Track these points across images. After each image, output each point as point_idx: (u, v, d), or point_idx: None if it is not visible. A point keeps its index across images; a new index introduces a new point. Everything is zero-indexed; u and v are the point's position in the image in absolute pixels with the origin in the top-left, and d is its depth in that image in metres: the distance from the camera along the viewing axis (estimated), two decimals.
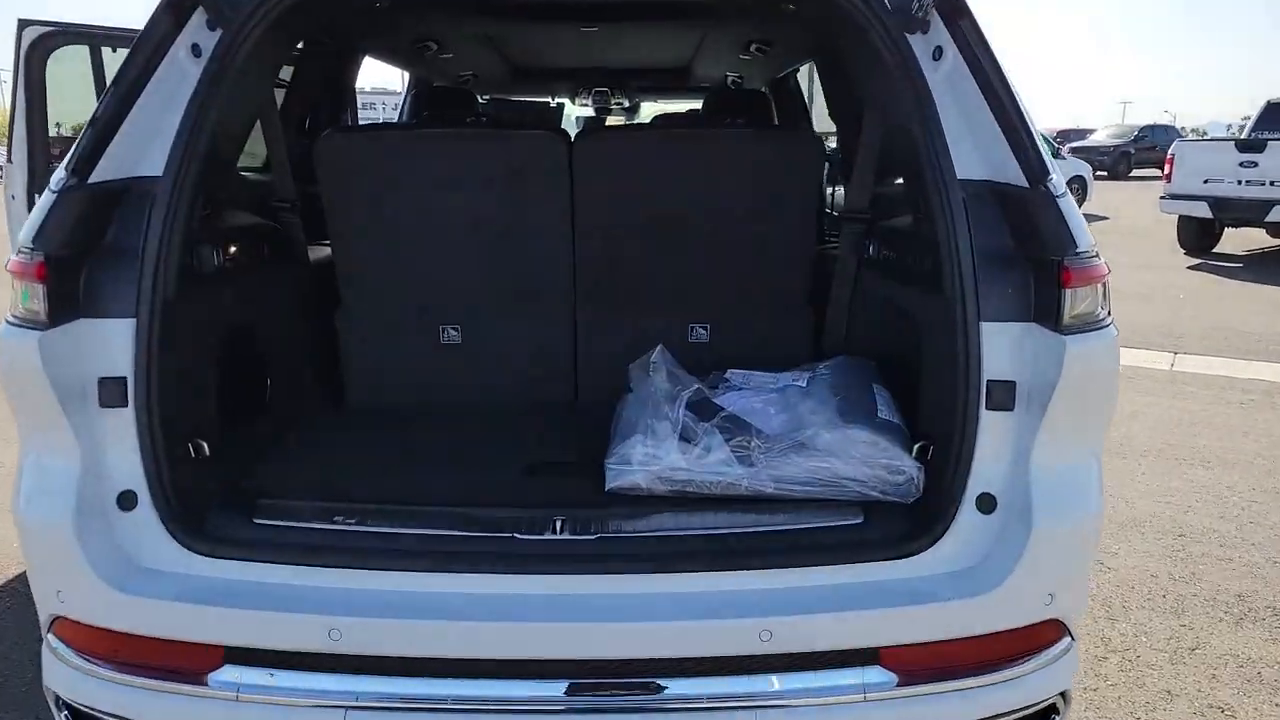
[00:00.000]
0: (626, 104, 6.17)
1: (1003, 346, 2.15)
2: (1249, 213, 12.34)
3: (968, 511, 2.18)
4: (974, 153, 2.23)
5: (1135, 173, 29.91)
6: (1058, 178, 2.17)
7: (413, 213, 2.88)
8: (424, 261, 2.96)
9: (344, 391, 3.17)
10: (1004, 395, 2.15)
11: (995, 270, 2.16)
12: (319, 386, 3.15)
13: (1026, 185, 2.15)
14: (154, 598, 2.09)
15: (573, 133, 3.02)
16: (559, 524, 2.21)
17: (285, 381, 2.94)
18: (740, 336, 3.06)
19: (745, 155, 2.79)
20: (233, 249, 2.60)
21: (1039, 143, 2.18)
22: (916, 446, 2.33)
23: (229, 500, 2.31)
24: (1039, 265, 2.13)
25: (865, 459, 2.31)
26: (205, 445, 2.31)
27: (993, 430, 2.16)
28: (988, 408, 2.15)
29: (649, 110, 6.47)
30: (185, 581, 2.13)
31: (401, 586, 2.11)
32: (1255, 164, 11.96)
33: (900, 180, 2.92)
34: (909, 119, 2.30)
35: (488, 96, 6.16)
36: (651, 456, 2.37)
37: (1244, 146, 12.45)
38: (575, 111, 6.55)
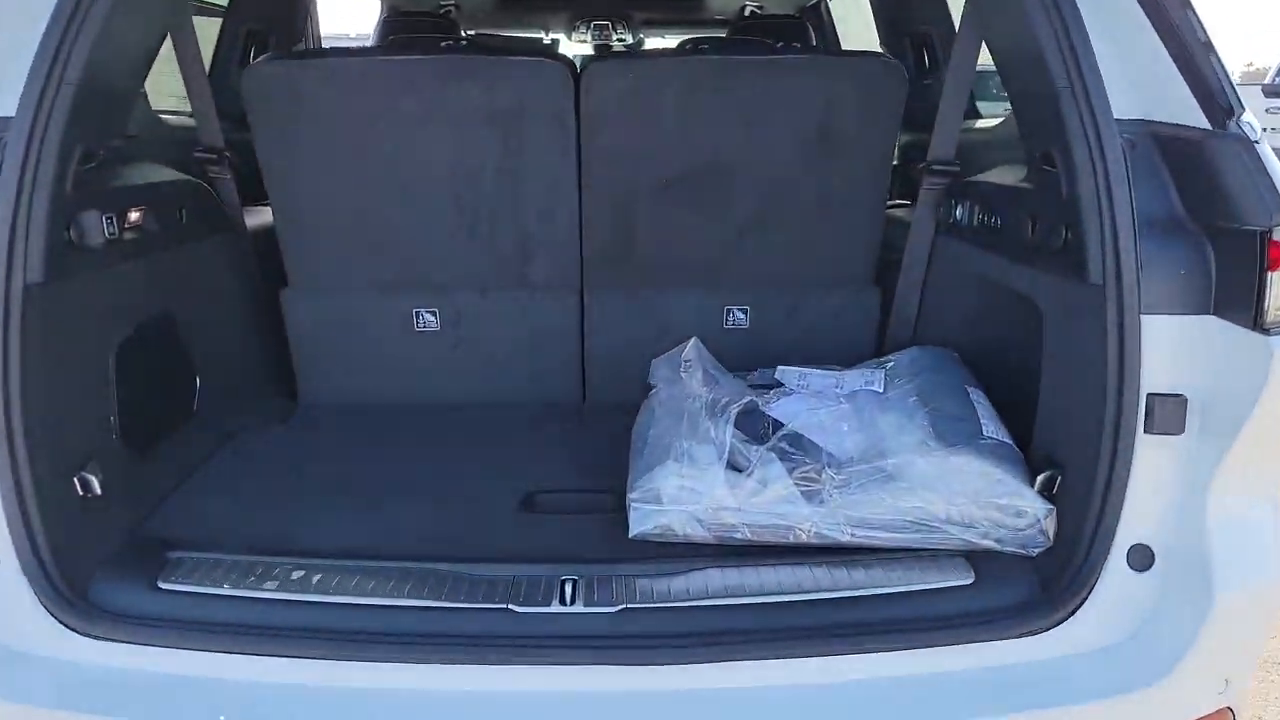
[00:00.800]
0: (630, 40, 5.48)
1: (1169, 348, 1.58)
2: None
3: (1117, 568, 1.63)
4: (1123, 80, 1.64)
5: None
6: (1250, 117, 1.58)
7: (374, 165, 2.27)
8: (390, 228, 2.35)
9: (296, 394, 2.58)
10: (1170, 414, 1.59)
11: (1160, 244, 1.59)
12: (264, 388, 2.55)
13: (1206, 127, 1.57)
14: (11, 699, 1.53)
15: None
16: (568, 589, 1.65)
17: (219, 384, 2.35)
18: (789, 321, 2.47)
19: (806, 88, 2.17)
20: (134, 215, 1.98)
21: (1222, 67, 1.59)
22: (1040, 478, 1.76)
23: (127, 556, 1.73)
24: (1225, 238, 1.56)
25: (974, 495, 1.74)
26: (96, 480, 1.73)
27: (1152, 460, 1.61)
28: (1147, 430, 1.59)
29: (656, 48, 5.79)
30: (59, 673, 1.57)
31: (356, 681, 1.55)
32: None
33: (991, 121, 2.31)
34: (1032, 36, 1.70)
35: (471, 31, 5.47)
36: (689, 491, 1.79)
37: (1267, 93, 11.69)
38: (572, 49, 5.85)
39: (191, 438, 2.19)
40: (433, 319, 2.46)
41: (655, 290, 2.44)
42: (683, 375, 2.12)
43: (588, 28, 5.16)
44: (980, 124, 2.76)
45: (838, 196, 2.31)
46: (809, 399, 2.05)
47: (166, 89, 2.61)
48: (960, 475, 1.76)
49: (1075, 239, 1.68)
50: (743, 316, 2.46)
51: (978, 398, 2.03)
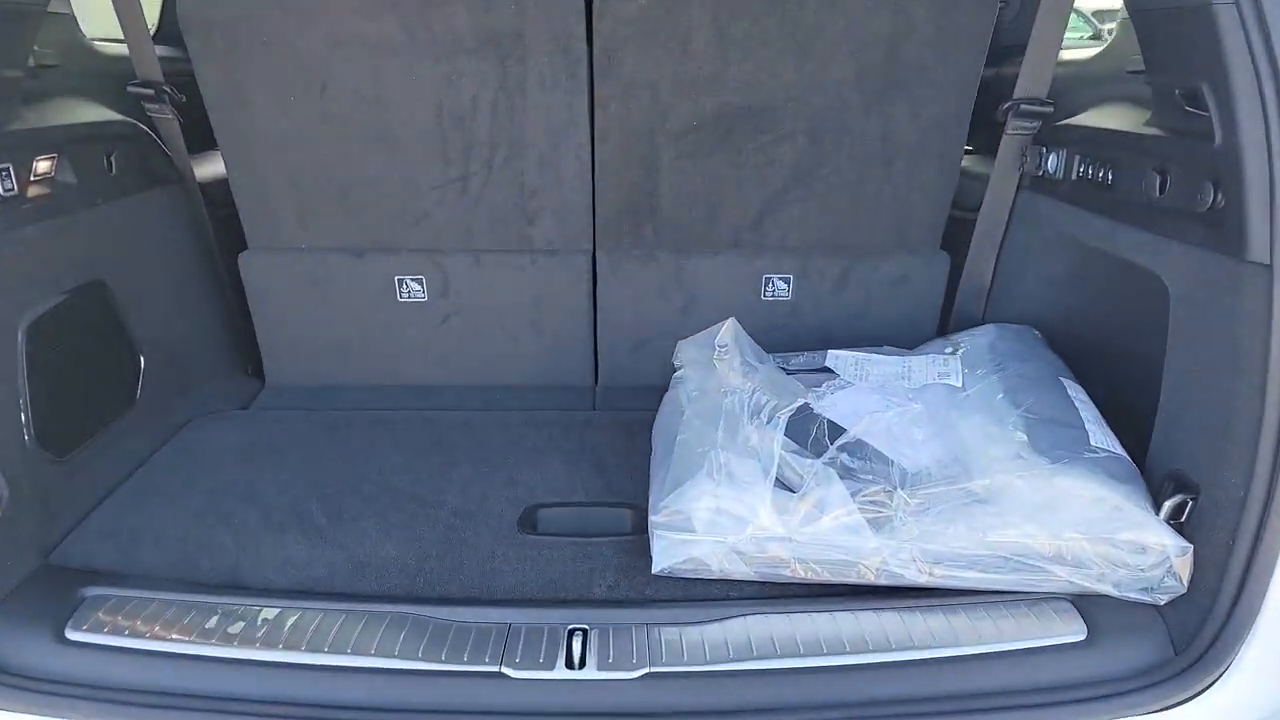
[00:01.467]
0: None
1: None
2: None
3: (1273, 623, 1.28)
4: None
5: None
6: None
7: (342, 103, 1.88)
8: (364, 179, 1.97)
9: (261, 375, 2.23)
10: None
11: None
12: (225, 366, 2.20)
13: None
14: None
15: None
16: (577, 644, 1.31)
17: (167, 365, 1.99)
18: (838, 292, 2.09)
19: (872, 10, 1.76)
20: (42, 165, 1.61)
21: None
22: (1167, 504, 1.40)
23: (30, 593, 1.40)
24: None
25: (1086, 527, 1.39)
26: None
27: None
28: None
29: None
30: None
31: None
32: None
33: (1082, 52, 1.90)
34: None
35: None
36: (728, 517, 1.44)
37: None
38: None
39: (129, 433, 1.84)
40: (418, 288, 2.09)
41: (681, 254, 2.06)
42: (717, 363, 1.76)
43: None
44: (1065, 55, 2.32)
45: (905, 144, 1.91)
46: (870, 395, 1.69)
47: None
48: (1067, 500, 1.40)
49: (1230, 201, 1.30)
50: (784, 286, 2.08)
51: (1077, 395, 1.66)
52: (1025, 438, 1.51)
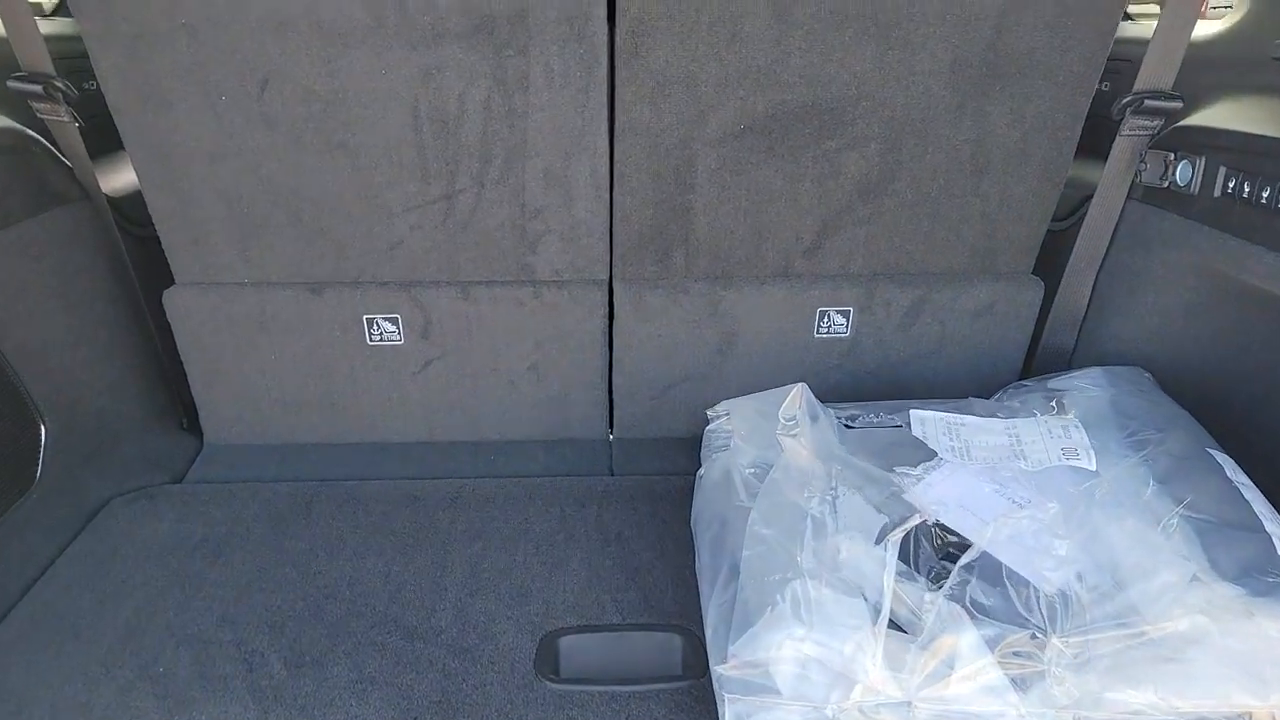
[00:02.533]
0: None
1: None
2: None
3: None
4: None
5: None
6: None
7: (291, 106, 1.45)
8: (322, 198, 1.55)
9: (199, 429, 1.82)
10: None
11: None
12: (155, 422, 1.78)
13: None
14: None
15: None
16: None
17: (74, 431, 1.58)
18: (907, 327, 1.72)
19: None
20: None
21: None
22: None
23: None
24: None
25: None
26: None
27: None
28: None
29: None
30: None
31: None
32: None
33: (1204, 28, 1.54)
34: None
35: None
36: (824, 674, 1.08)
37: None
38: None
39: (26, 526, 1.43)
40: (393, 328, 1.69)
41: (719, 284, 1.67)
42: (783, 440, 1.38)
43: None
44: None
45: (1001, 150, 1.53)
46: (981, 481, 1.32)
47: None
48: (1275, 645, 1.06)
49: None
50: (842, 321, 1.70)
51: (1238, 477, 1.31)
52: (1199, 548, 1.16)
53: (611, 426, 1.81)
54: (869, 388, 1.77)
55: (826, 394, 1.78)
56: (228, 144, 1.48)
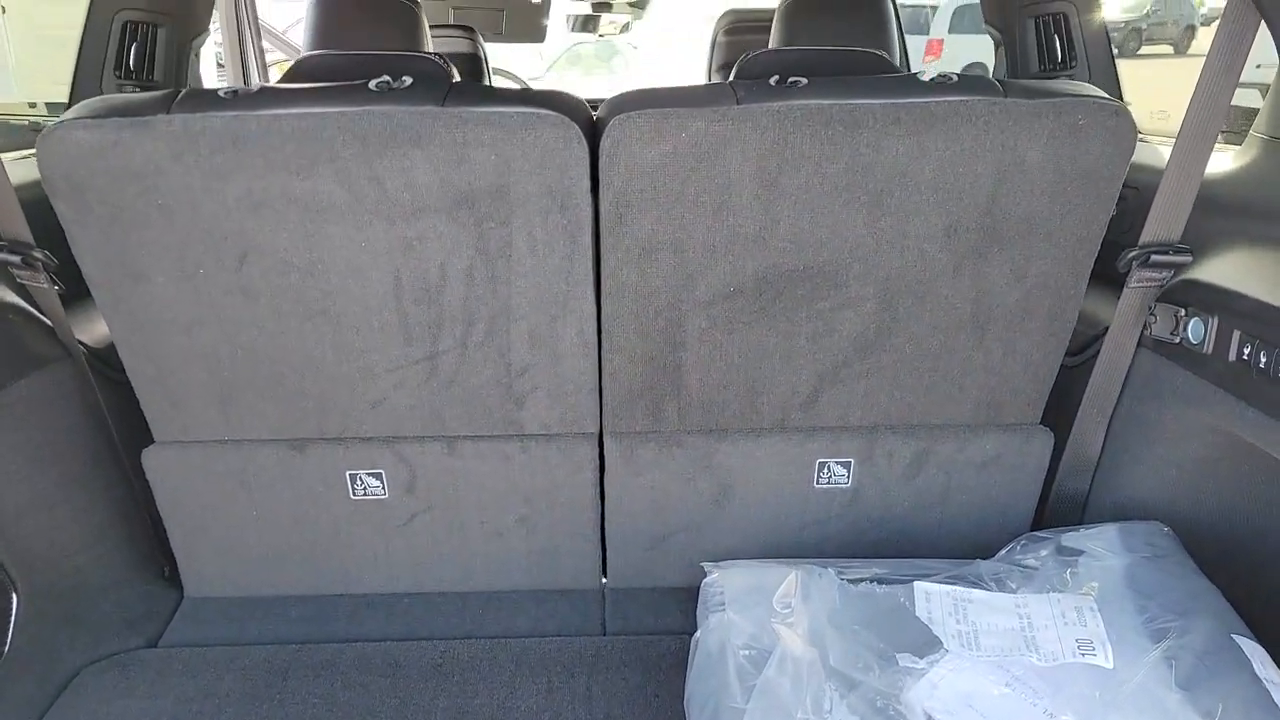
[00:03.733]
0: None
1: None
2: None
3: None
4: None
5: (1144, 50, 28.09)
6: None
7: (269, 273, 1.41)
8: (303, 362, 1.50)
9: (180, 591, 1.76)
10: None
11: None
12: (130, 574, 1.72)
13: None
14: None
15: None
16: None
17: (47, 596, 1.52)
18: (910, 477, 1.65)
19: (973, 148, 1.30)
20: None
21: None
22: None
23: None
24: None
25: None
26: None
27: None
28: None
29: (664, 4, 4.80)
30: None
31: None
32: None
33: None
34: None
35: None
36: None
37: None
38: (568, 7, 4.86)
39: None
40: (377, 483, 1.63)
41: (713, 436, 1.61)
42: (779, 629, 1.31)
43: None
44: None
45: (1003, 306, 1.47)
46: (992, 680, 1.25)
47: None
48: None
49: None
50: (843, 472, 1.64)
51: (1267, 673, 1.24)
52: None
53: (605, 574, 1.75)
54: (871, 537, 1.70)
55: (827, 542, 1.71)
56: (206, 313, 1.44)
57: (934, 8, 16.08)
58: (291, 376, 1.51)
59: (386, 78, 1.36)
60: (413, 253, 1.39)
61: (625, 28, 4.85)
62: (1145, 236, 1.47)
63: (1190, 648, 1.27)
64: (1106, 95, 1.31)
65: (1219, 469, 1.51)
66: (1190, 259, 1.47)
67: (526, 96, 1.36)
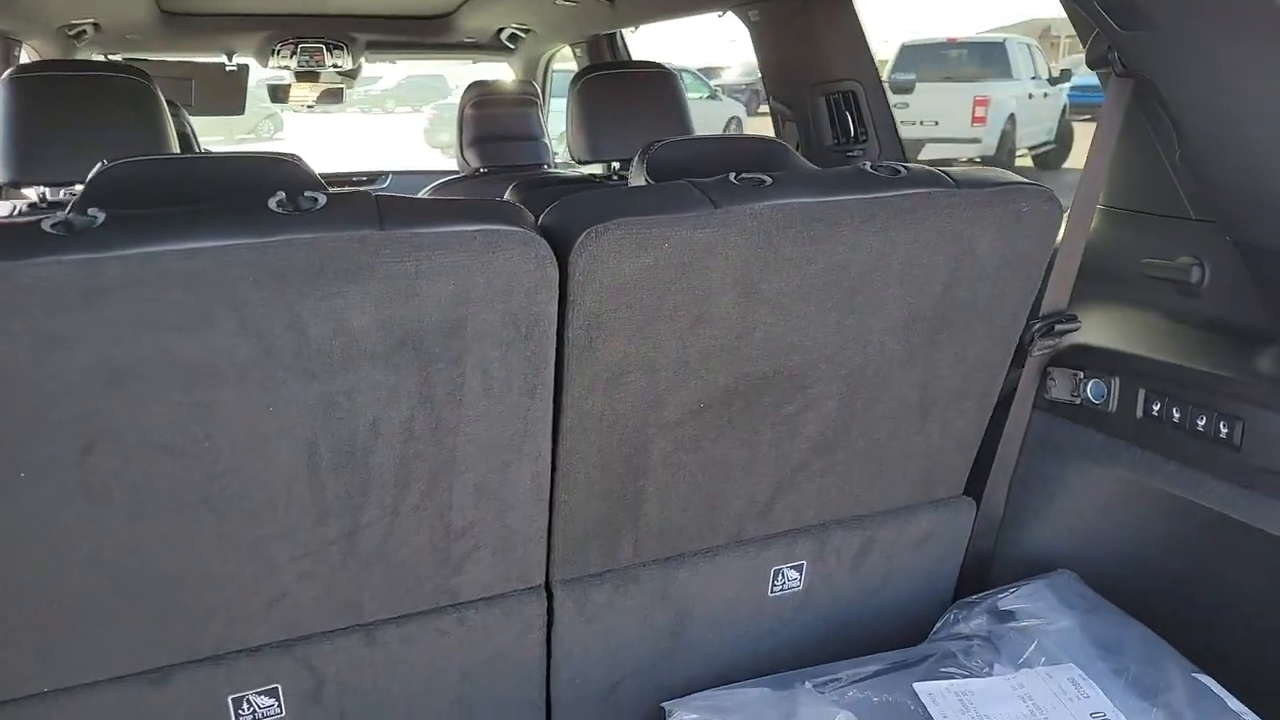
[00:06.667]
0: (349, 66, 4.18)
1: None
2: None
3: None
4: None
5: (763, 108, 31.72)
6: None
7: (125, 465, 1.04)
8: (171, 572, 1.13)
9: None
10: None
11: None
12: None
13: None
14: None
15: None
16: None
17: None
18: (857, 569, 1.60)
19: (933, 241, 1.28)
20: None
21: None
22: None
23: None
24: None
25: None
26: None
27: None
28: None
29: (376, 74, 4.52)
30: None
31: None
32: (906, 105, 11.96)
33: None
34: None
35: (118, 56, 3.84)
36: None
37: (894, 88, 12.60)
38: (265, 75, 4.40)
39: None
40: (270, 702, 1.27)
41: (671, 564, 1.45)
42: None
43: (292, 52, 3.85)
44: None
45: (944, 390, 1.47)
46: None
47: None
48: None
49: None
50: (795, 576, 1.56)
51: (1233, 703, 1.33)
52: None
53: None
54: (818, 635, 1.63)
55: (780, 649, 1.62)
56: (27, 529, 1.03)
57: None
58: (153, 593, 1.14)
59: (281, 194, 1.07)
60: (336, 412, 1.10)
61: (336, 96, 4.49)
62: (1047, 307, 1.56)
63: (1179, 698, 1.33)
64: (1038, 183, 1.36)
65: (1119, 516, 1.62)
66: (1079, 325, 1.58)
67: (468, 210, 1.14)
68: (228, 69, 4.05)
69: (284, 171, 1.26)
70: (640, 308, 1.19)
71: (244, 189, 1.09)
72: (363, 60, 4.15)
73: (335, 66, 4.06)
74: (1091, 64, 1.46)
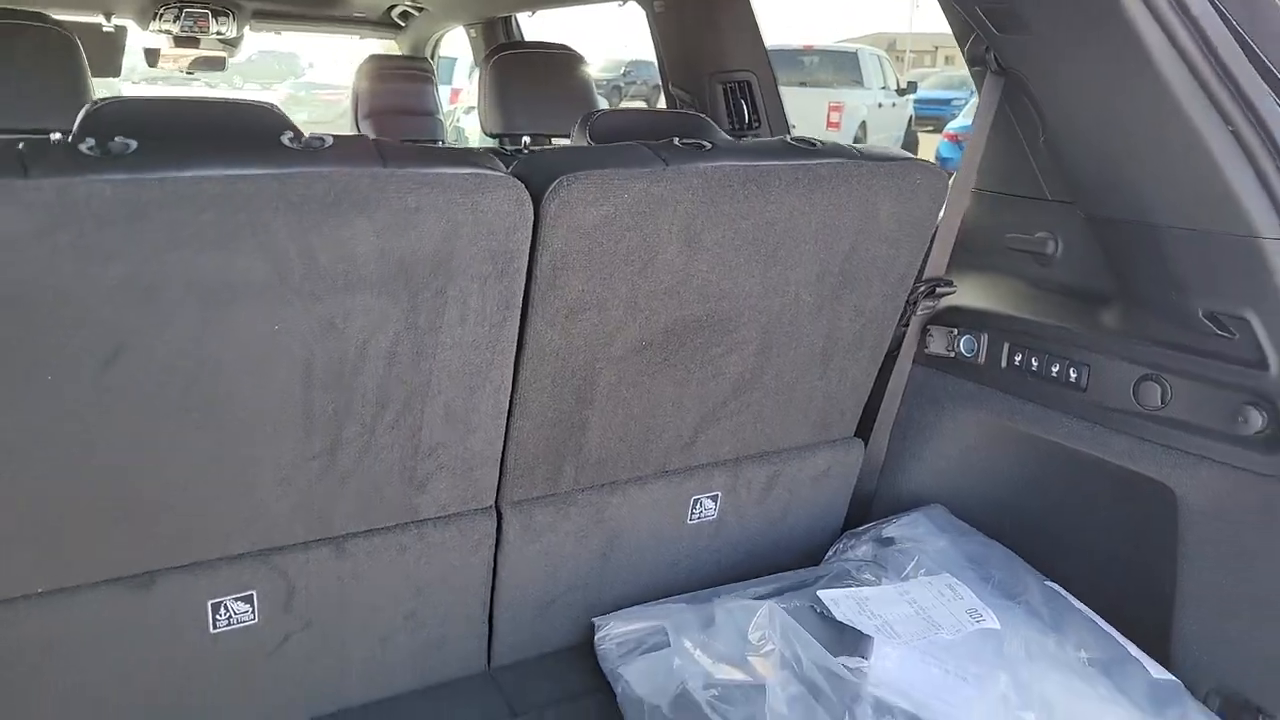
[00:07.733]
0: (232, 34, 4.09)
1: None
2: None
3: None
4: None
5: (623, 104, 32.23)
6: None
7: (146, 374, 1.11)
8: (167, 479, 1.20)
9: None
10: None
11: None
12: None
13: None
14: None
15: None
16: None
17: None
18: (762, 501, 1.81)
19: (843, 205, 1.48)
20: None
21: None
22: None
23: None
24: None
25: None
26: None
27: None
28: None
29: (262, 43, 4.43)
30: None
31: None
32: None
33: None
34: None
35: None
36: None
37: None
38: (142, 40, 4.22)
39: None
40: (245, 608, 1.35)
41: (603, 491, 1.61)
42: (753, 660, 1.37)
43: (176, 16, 3.75)
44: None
45: (844, 340, 1.69)
46: (927, 664, 1.44)
47: None
48: None
49: None
50: (711, 505, 1.74)
51: (1076, 602, 1.61)
52: (1119, 694, 1.40)
53: (490, 657, 1.64)
54: (730, 560, 1.82)
55: (696, 572, 1.80)
56: (42, 429, 1.09)
57: (455, 59, 16.81)
58: (145, 502, 1.20)
59: (289, 133, 1.16)
60: (332, 334, 1.20)
61: (217, 64, 4.38)
62: (930, 271, 1.81)
63: (1035, 599, 1.59)
64: (928, 160, 1.60)
65: (985, 455, 1.89)
66: (955, 289, 1.84)
67: (454, 156, 1.26)
68: (105, 29, 3.90)
69: (266, 118, 1.34)
70: (598, 251, 1.34)
71: (232, 131, 1.18)
72: (247, 29, 4.08)
73: (219, 34, 3.97)
74: (970, 62, 1.72)
